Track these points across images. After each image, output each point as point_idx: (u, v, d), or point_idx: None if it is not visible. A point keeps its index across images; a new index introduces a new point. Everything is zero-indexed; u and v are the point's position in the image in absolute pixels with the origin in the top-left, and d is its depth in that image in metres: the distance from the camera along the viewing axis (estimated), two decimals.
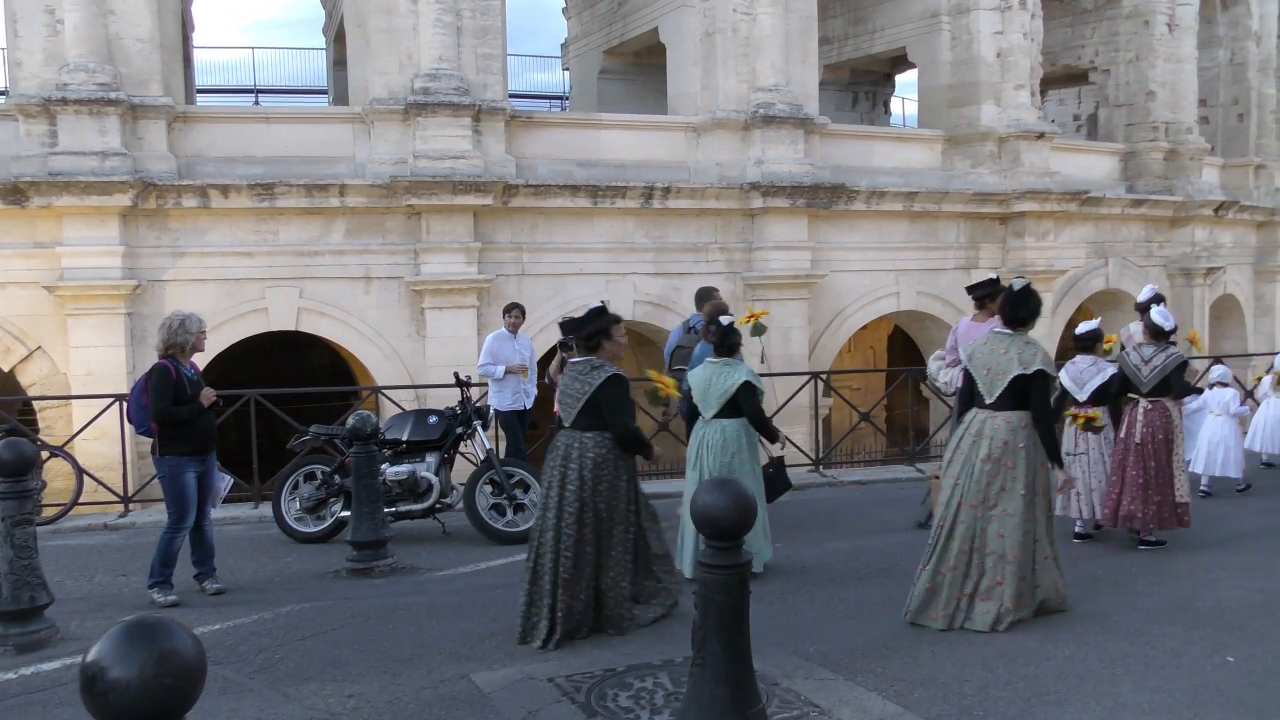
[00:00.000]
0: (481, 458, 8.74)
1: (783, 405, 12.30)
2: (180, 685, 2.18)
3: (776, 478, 7.77)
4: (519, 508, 8.56)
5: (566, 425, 5.93)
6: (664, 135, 14.51)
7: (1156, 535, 7.80)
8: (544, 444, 12.11)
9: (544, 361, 10.99)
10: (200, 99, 19.48)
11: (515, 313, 10.08)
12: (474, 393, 9.45)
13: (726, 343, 7.18)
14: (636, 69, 18.51)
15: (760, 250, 14.26)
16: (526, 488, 8.60)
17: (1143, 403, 7.81)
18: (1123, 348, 8.71)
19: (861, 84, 21.47)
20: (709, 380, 7.09)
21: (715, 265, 14.27)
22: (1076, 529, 8.17)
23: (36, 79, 11.87)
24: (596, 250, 13.72)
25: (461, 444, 8.98)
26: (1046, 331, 16.12)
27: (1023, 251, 15.92)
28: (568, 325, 6.53)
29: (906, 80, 22.04)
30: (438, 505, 8.57)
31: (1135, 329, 9.21)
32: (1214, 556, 7.54)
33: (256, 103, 23.55)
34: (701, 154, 14.35)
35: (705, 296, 8.99)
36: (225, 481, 7.26)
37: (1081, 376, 8.24)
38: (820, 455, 12.48)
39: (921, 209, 15.32)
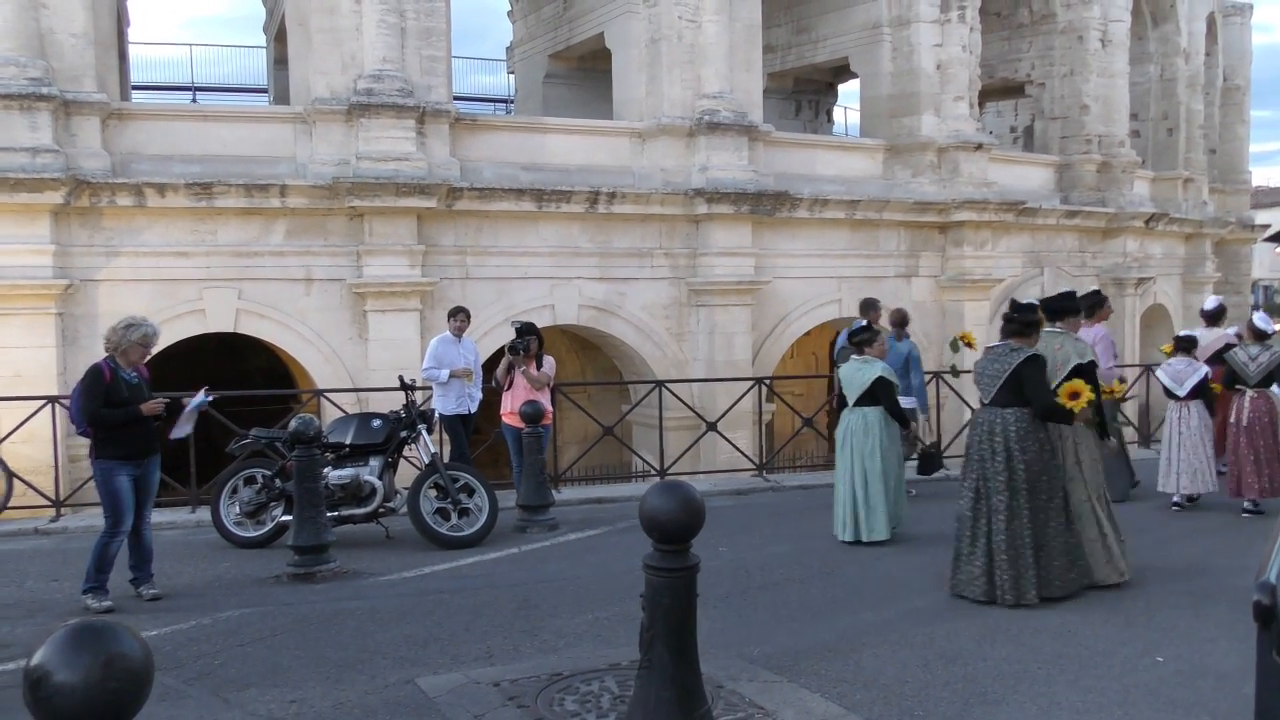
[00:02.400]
0: (426, 461, 8.68)
1: (726, 411, 12.39)
2: (127, 689, 2.15)
3: (933, 457, 10.25)
4: (463, 512, 8.51)
5: (986, 403, 6.61)
6: (609, 140, 14.54)
7: (1262, 505, 9.20)
8: (488, 448, 12.11)
9: (489, 365, 10.97)
10: (136, 95, 19.09)
11: (460, 317, 10.05)
12: (418, 396, 9.38)
13: (856, 341, 8.62)
14: (582, 74, 18.53)
15: (705, 256, 14.34)
16: (471, 492, 8.57)
17: (1249, 393, 9.31)
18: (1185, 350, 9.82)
19: (805, 93, 21.72)
20: (852, 375, 8.43)
21: (660, 271, 14.33)
22: (1174, 500, 9.57)
23: None
24: (541, 254, 13.70)
25: (406, 448, 8.90)
26: (984, 338, 16.41)
27: (961, 260, 16.22)
28: (1051, 303, 7.28)
29: (849, 90, 22.38)
30: (381, 509, 8.49)
31: (1203, 335, 10.62)
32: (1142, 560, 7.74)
33: (195, 100, 23.15)
34: (647, 160, 14.40)
35: (869, 306, 11.05)
36: (195, 404, 7.07)
37: (1180, 375, 9.53)
38: (763, 460, 12.58)
39: (863, 217, 15.53)
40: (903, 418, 8.65)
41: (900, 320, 11.02)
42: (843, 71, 19.60)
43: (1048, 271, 17.78)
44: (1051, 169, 18.54)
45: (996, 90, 20.97)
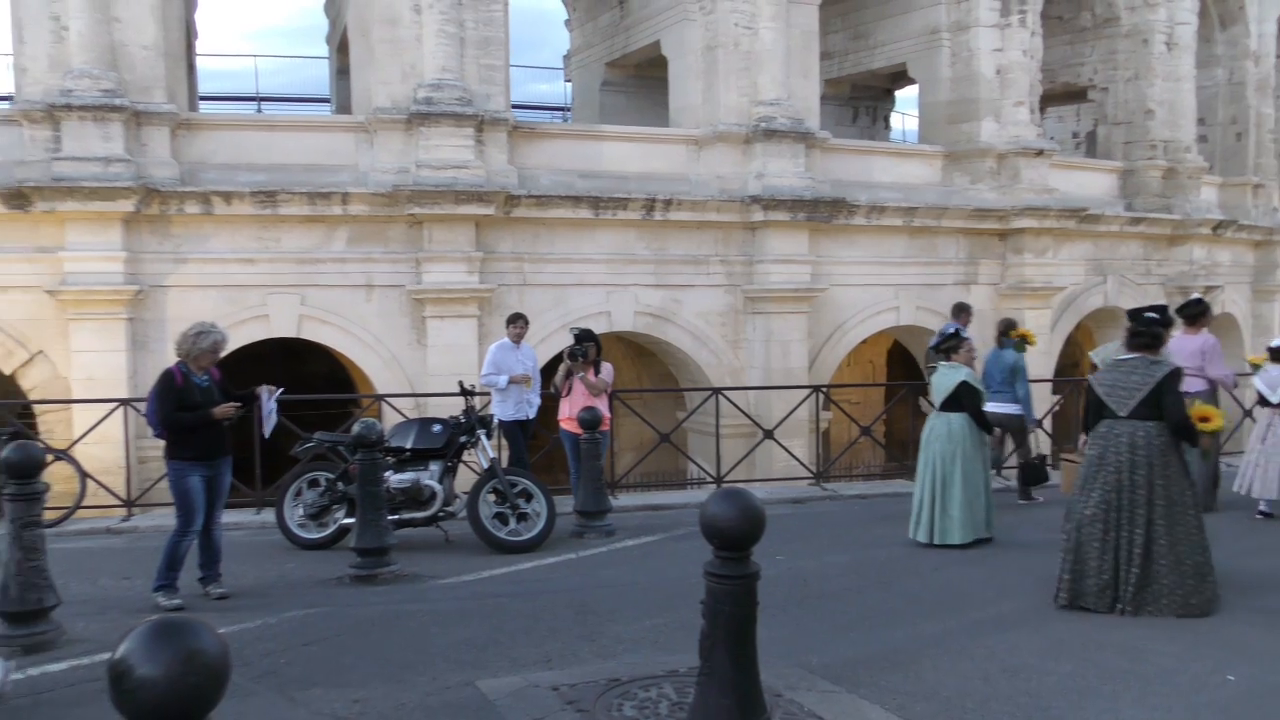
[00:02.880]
0: (485, 466, 8.76)
1: (783, 419, 12.34)
2: (206, 684, 2.22)
3: (1038, 469, 10.26)
4: (521, 517, 8.58)
5: (1122, 415, 6.49)
6: (665, 148, 14.58)
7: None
8: (545, 454, 12.19)
9: (547, 371, 11.04)
10: (203, 106, 19.53)
11: (520, 323, 10.13)
12: (477, 402, 9.48)
13: (943, 347, 8.74)
14: (638, 81, 18.60)
15: (761, 263, 14.32)
16: (529, 497, 8.63)
17: None
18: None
19: (862, 99, 21.59)
20: (939, 380, 8.59)
21: (716, 278, 14.33)
22: (1260, 509, 9.50)
23: (41, 85, 11.91)
24: (598, 261, 13.78)
25: (465, 453, 9.00)
26: (1045, 347, 16.21)
27: (1022, 268, 16.00)
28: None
29: (907, 96, 22.18)
30: (441, 513, 8.59)
31: None
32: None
33: (259, 110, 23.60)
34: (703, 167, 14.42)
35: (960, 310, 11.59)
36: (270, 407, 7.17)
37: (1275, 382, 9.56)
38: (820, 468, 12.51)
39: (921, 224, 15.39)
40: (987, 425, 8.73)
41: (1006, 328, 11.06)
42: (900, 77, 19.44)
43: (1110, 280, 17.48)
44: (1115, 175, 18.22)
45: (1058, 95, 20.68)
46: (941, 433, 8.44)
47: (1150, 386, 6.41)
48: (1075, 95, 20.73)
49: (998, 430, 9.83)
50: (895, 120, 24.09)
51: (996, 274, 16.16)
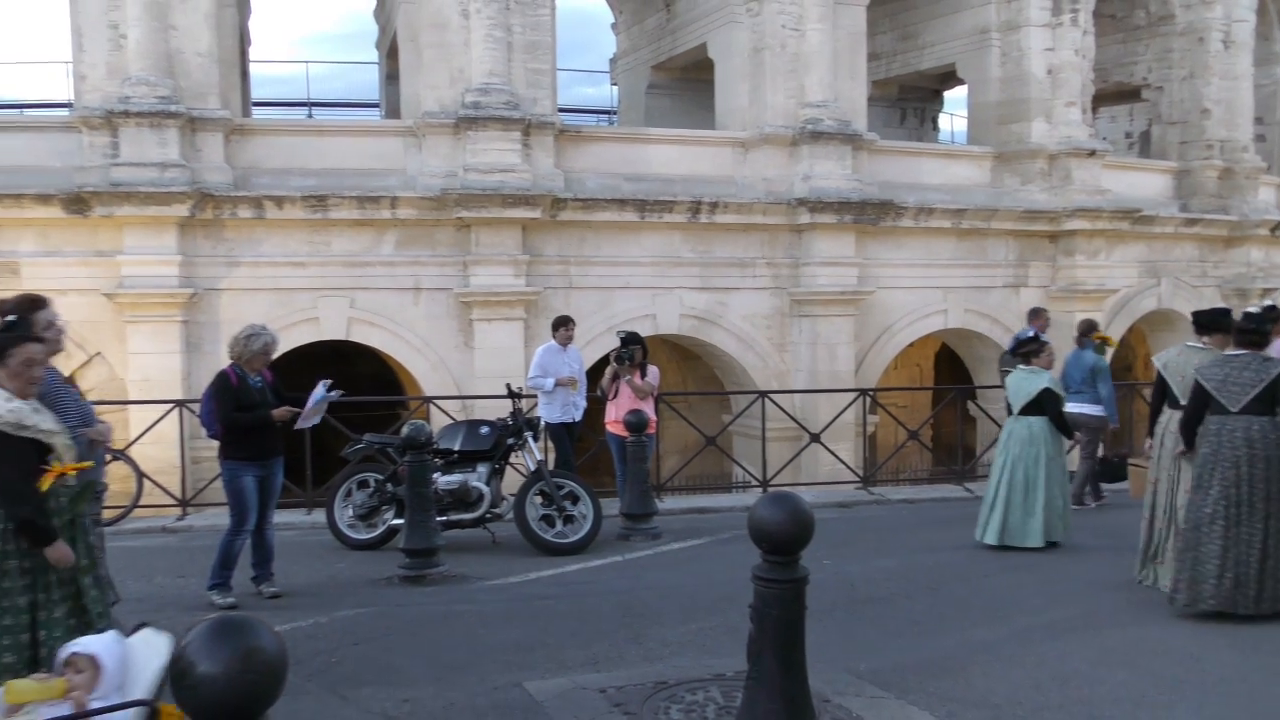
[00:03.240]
0: (532, 469, 8.81)
1: (830, 423, 12.27)
2: (263, 682, 2.26)
3: (1117, 468, 10.11)
4: (568, 519, 8.61)
5: (1233, 411, 6.45)
6: (711, 150, 14.57)
7: None
8: (591, 457, 12.22)
9: (592, 374, 11.07)
10: (256, 112, 19.82)
11: (568, 327, 10.16)
12: (524, 404, 9.53)
13: (1022, 352, 8.79)
14: (684, 84, 18.59)
15: (807, 266, 14.25)
16: (575, 499, 8.66)
17: None
18: None
19: (910, 100, 21.40)
20: (1019, 384, 8.63)
21: (762, 280, 14.29)
22: None
23: (99, 92, 12.18)
24: (643, 264, 13.79)
25: (512, 455, 9.05)
26: None
27: (1073, 270, 15.78)
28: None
29: (955, 96, 21.95)
30: (488, 515, 8.65)
31: None
32: None
33: (310, 116, 23.93)
34: (749, 169, 14.38)
35: (1036, 314, 11.69)
36: (319, 397, 7.15)
37: None
38: (867, 472, 12.42)
39: (970, 226, 15.23)
40: (1068, 429, 8.82)
41: (1087, 330, 11.04)
42: (949, 78, 19.24)
43: (1165, 282, 17.17)
44: (1170, 175, 17.90)
45: (1111, 95, 20.36)
46: (1023, 436, 8.49)
47: (1266, 382, 6.37)
48: (1128, 95, 20.39)
49: (1078, 433, 9.83)
50: (944, 121, 23.86)
51: (1047, 276, 15.95)
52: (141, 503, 10.11)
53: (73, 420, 5.09)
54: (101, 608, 4.45)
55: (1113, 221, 15.81)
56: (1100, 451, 10.84)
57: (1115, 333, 16.69)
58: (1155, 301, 17.18)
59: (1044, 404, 8.48)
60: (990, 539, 8.41)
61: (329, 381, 7.34)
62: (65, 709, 3.27)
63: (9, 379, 4.34)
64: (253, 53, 18.44)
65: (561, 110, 15.52)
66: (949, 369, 19.50)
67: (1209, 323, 7.27)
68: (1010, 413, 8.75)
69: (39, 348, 4.57)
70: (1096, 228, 15.72)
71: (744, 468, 12.59)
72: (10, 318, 5.02)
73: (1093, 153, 15.75)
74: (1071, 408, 9.61)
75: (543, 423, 9.74)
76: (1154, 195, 17.42)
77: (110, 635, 3.64)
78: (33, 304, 5.47)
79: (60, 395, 5.31)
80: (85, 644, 3.49)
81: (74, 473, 4.44)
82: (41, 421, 4.32)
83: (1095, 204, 15.54)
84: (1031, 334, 9.13)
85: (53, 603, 4.23)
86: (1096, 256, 15.96)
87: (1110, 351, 11.37)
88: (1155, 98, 18.94)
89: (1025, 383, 8.59)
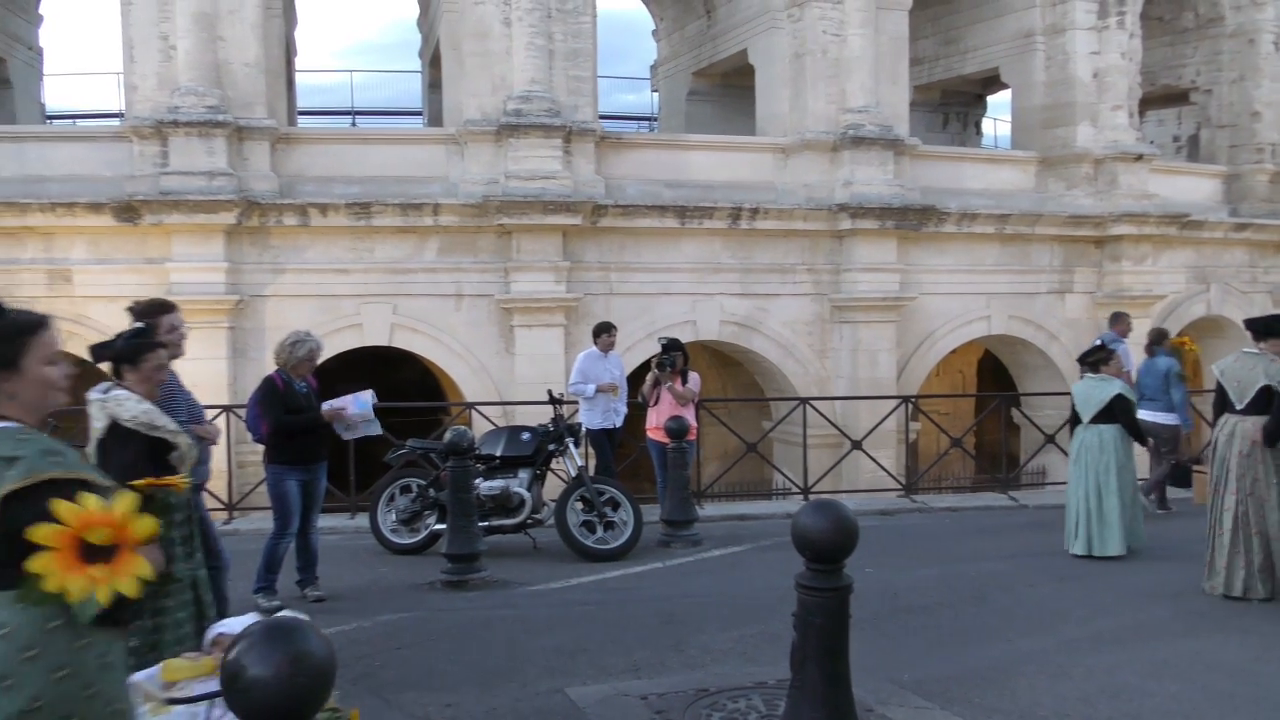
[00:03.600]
0: (573, 475, 8.83)
1: (871, 430, 12.19)
2: (313, 685, 2.27)
3: (1185, 474, 10.48)
4: (608, 525, 8.62)
5: None
6: (752, 156, 14.54)
7: None
8: (631, 463, 12.23)
9: (633, 380, 11.08)
10: (301, 120, 20.08)
11: (610, 334, 10.17)
12: (565, 410, 9.56)
13: (1091, 360, 8.79)
14: (725, 90, 18.58)
15: (848, 272, 14.17)
16: (616, 505, 8.67)
17: None
18: None
19: (953, 105, 21.23)
20: (1088, 392, 8.64)
21: (802, 286, 14.23)
22: None
23: (150, 102, 12.39)
24: (683, 270, 13.79)
25: (553, 461, 9.08)
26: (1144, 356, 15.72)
27: (1119, 276, 15.55)
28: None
29: (999, 101, 21.75)
30: (529, 520, 8.68)
31: None
32: None
33: (354, 124, 24.18)
34: (789, 175, 14.34)
35: (1117, 319, 11.64)
36: (361, 406, 7.17)
37: None
38: (909, 480, 12.32)
39: (1014, 231, 15.08)
40: (1141, 436, 8.93)
41: (1158, 338, 11.06)
42: (992, 82, 19.07)
43: (1214, 288, 16.88)
44: (1219, 179, 17.60)
45: (1158, 98, 20.05)
46: (1093, 444, 8.53)
47: None
48: (1176, 98, 20.08)
49: (1151, 440, 9.87)
50: (987, 126, 23.62)
51: (1093, 282, 15.74)
52: None
53: (183, 417, 5.27)
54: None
55: (1160, 227, 15.57)
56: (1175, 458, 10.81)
57: None
58: (1204, 308, 16.90)
59: (1116, 411, 8.50)
60: (1078, 549, 8.47)
61: (373, 391, 7.42)
62: (215, 684, 3.47)
63: (139, 382, 4.58)
64: (298, 62, 18.69)
65: (602, 117, 15.56)
66: (992, 376, 19.30)
67: (1264, 329, 7.18)
68: (1076, 423, 8.76)
69: (165, 352, 4.84)
70: (1144, 233, 15.49)
71: (785, 474, 12.53)
72: (139, 324, 5.19)
73: (1140, 157, 15.52)
74: (1145, 415, 9.67)
75: (584, 429, 9.75)
76: (1203, 200, 17.14)
77: (251, 617, 3.78)
78: (160, 308, 5.74)
79: (175, 394, 5.48)
80: (230, 625, 3.63)
81: (184, 486, 4.41)
82: (169, 423, 4.51)
83: (1142, 209, 15.31)
84: (1099, 343, 9.20)
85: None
86: (1144, 262, 15.72)
87: (1191, 355, 11.34)
88: (1204, 101, 18.64)
89: (1095, 391, 8.61)
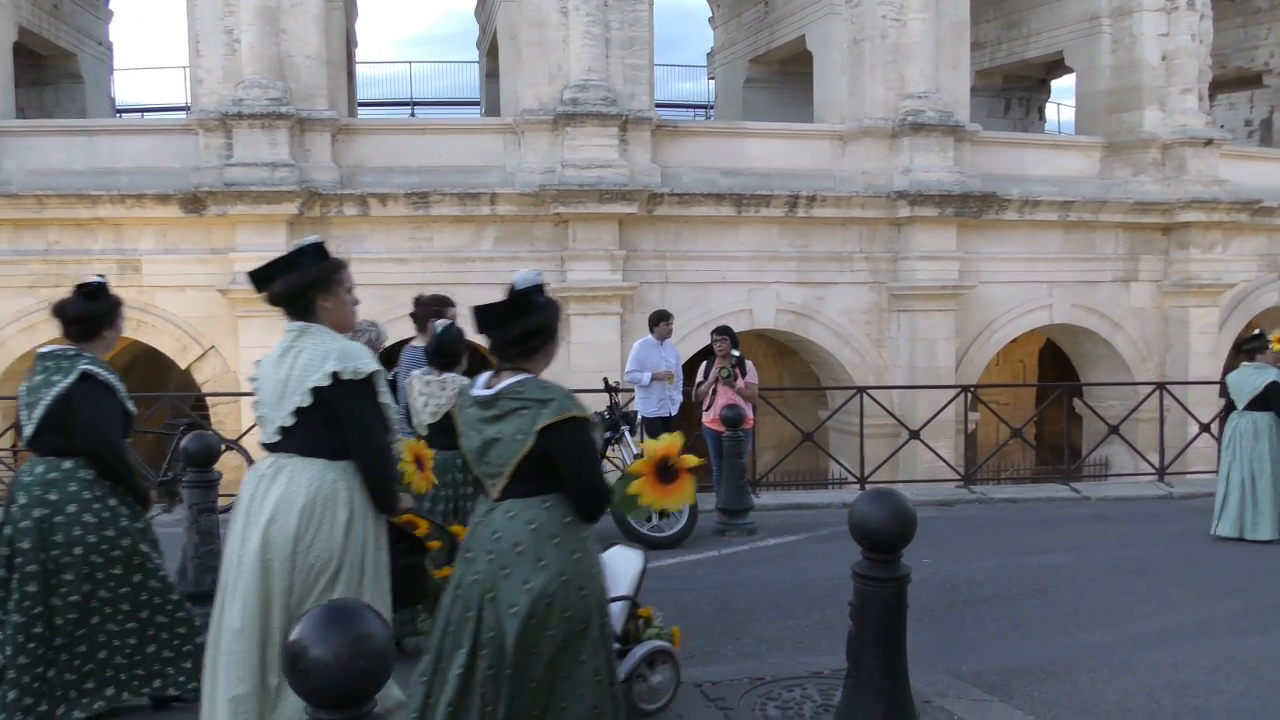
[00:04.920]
0: (629, 463, 8.84)
1: (929, 419, 12.05)
2: (372, 666, 2.31)
3: None
4: (664, 513, 8.62)
5: None
6: (809, 144, 14.42)
7: None
8: (687, 450, 12.19)
9: (689, 368, 11.06)
10: (360, 111, 20.34)
11: (667, 321, 10.16)
12: (620, 398, 9.57)
13: (1247, 349, 9.00)
14: (782, 77, 18.45)
15: (906, 260, 14.02)
16: None
17: None
18: None
19: (1015, 90, 20.85)
20: (1243, 381, 8.84)
21: (860, 275, 14.10)
22: None
23: (215, 95, 12.64)
24: (739, 259, 13.74)
25: (609, 449, 9.10)
26: (1212, 348, 15.36)
27: (1187, 264, 15.19)
28: None
29: (1063, 85, 21.32)
30: None
31: None
32: None
33: (413, 114, 24.44)
34: (847, 162, 14.20)
35: None
36: None
37: None
38: (967, 471, 12.16)
39: (1077, 219, 14.79)
40: None
41: None
42: (1056, 67, 18.70)
43: None
44: None
45: (1229, 81, 19.54)
46: (1248, 431, 8.72)
47: None
48: (1249, 80, 19.55)
49: None
50: (1050, 111, 23.18)
51: (1159, 270, 15.39)
52: None
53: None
54: None
55: (1230, 213, 15.16)
56: None
57: (1233, 329, 16.03)
58: (1277, 296, 16.46)
59: (1270, 398, 8.64)
60: (1225, 531, 8.66)
61: None
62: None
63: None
64: (358, 54, 18.92)
65: (658, 105, 15.54)
66: (1054, 366, 18.98)
67: None
68: (1230, 409, 8.95)
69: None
70: (1213, 219, 15.11)
71: (841, 464, 12.42)
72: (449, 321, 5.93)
73: (1209, 141, 15.13)
74: None
75: (639, 417, 9.76)
76: (1276, 185, 16.63)
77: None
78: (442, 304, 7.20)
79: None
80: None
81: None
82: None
83: (1212, 195, 14.93)
84: (1259, 332, 9.26)
85: None
86: (1213, 250, 15.33)
87: None
88: (1277, 84, 18.11)
89: (1250, 379, 8.77)
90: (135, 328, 12.78)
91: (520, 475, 3.27)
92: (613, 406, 9.09)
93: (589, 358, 12.80)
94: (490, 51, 18.49)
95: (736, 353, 9.70)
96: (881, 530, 3.77)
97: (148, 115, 23.38)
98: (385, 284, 12.88)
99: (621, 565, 4.34)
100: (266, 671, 3.49)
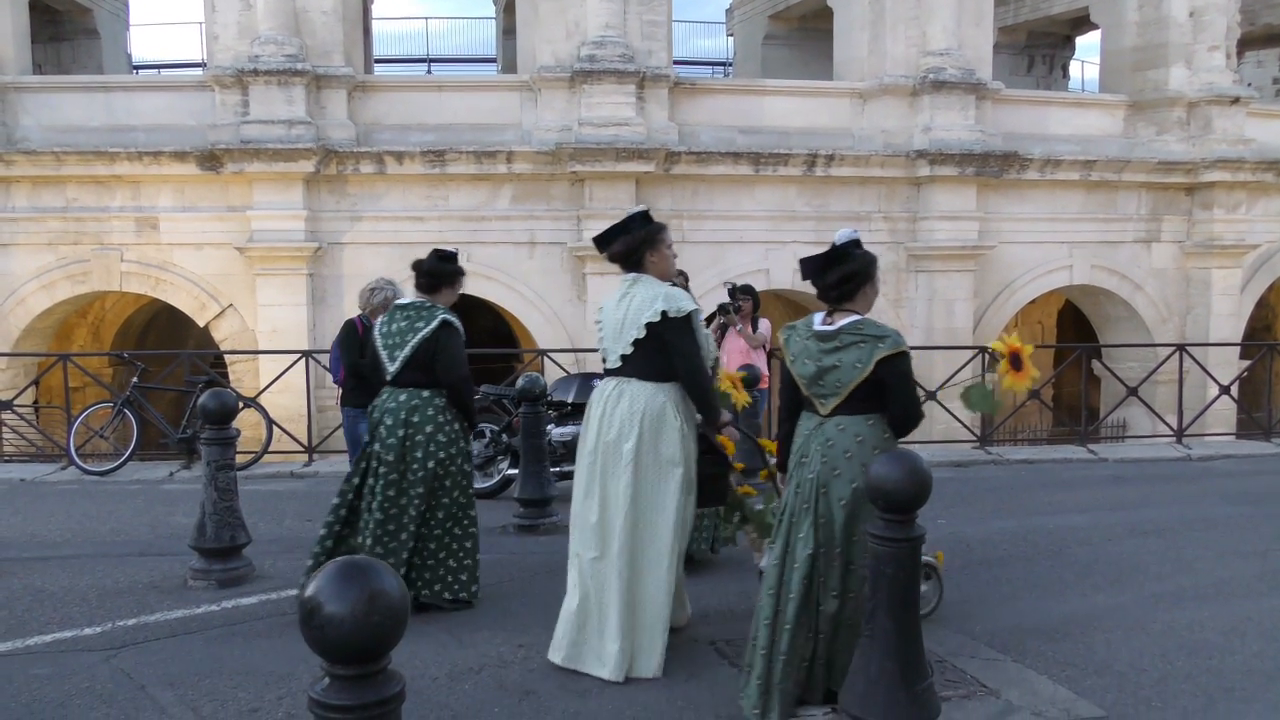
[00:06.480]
0: None
1: (946, 381, 11.99)
2: (387, 623, 2.33)
3: None
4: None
5: None
6: (828, 102, 14.27)
7: None
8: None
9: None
10: (377, 68, 20.23)
11: (680, 280, 10.10)
12: None
13: None
14: (801, 34, 18.23)
15: (925, 220, 13.90)
16: None
17: None
18: None
19: (1038, 47, 20.54)
20: None
21: (878, 235, 13.99)
22: None
23: (231, 51, 12.58)
24: (757, 218, 13.65)
25: None
26: (1234, 309, 15.21)
27: (1210, 224, 15.01)
28: None
29: (1087, 43, 21.03)
30: None
31: None
32: None
33: (429, 72, 24.29)
34: (867, 121, 14.05)
35: None
36: None
37: None
38: (984, 431, 12.13)
39: (1100, 178, 14.61)
40: None
41: None
42: (1081, 23, 18.41)
43: None
44: None
45: (1258, 38, 19.18)
46: None
47: None
48: (1278, 38, 19.17)
49: None
50: (1074, 69, 22.84)
51: (1182, 231, 15.22)
52: (271, 449, 10.53)
53: None
54: None
55: (1256, 173, 14.95)
56: None
57: (1255, 291, 15.87)
58: None
59: None
60: None
61: None
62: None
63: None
64: (374, 10, 18.76)
65: (677, 62, 15.39)
66: (1073, 327, 18.86)
67: None
68: None
69: None
70: (1238, 179, 14.90)
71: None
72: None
73: (1236, 100, 14.88)
74: None
75: None
76: None
77: None
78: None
79: None
80: None
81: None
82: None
83: (1237, 154, 14.71)
84: None
85: None
86: (1237, 210, 15.14)
87: None
88: None
89: None
90: (154, 285, 12.84)
91: (853, 396, 4.09)
92: None
93: None
94: (507, 8, 18.32)
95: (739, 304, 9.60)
96: (897, 491, 3.75)
97: (164, 72, 23.32)
98: (401, 242, 12.88)
99: None
100: (628, 542, 4.57)
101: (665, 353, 4.62)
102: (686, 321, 4.64)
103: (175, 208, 12.61)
